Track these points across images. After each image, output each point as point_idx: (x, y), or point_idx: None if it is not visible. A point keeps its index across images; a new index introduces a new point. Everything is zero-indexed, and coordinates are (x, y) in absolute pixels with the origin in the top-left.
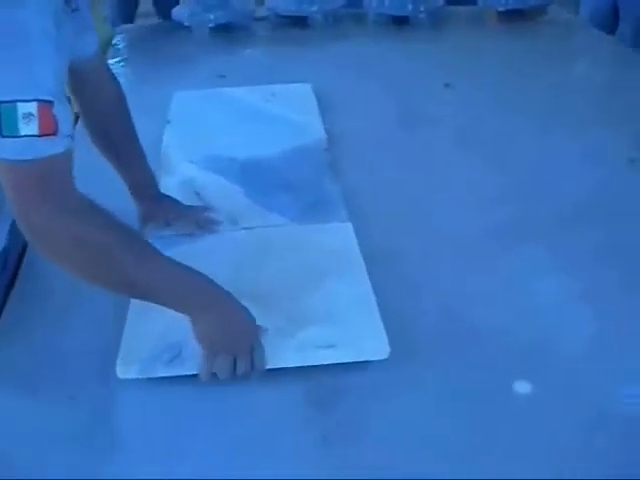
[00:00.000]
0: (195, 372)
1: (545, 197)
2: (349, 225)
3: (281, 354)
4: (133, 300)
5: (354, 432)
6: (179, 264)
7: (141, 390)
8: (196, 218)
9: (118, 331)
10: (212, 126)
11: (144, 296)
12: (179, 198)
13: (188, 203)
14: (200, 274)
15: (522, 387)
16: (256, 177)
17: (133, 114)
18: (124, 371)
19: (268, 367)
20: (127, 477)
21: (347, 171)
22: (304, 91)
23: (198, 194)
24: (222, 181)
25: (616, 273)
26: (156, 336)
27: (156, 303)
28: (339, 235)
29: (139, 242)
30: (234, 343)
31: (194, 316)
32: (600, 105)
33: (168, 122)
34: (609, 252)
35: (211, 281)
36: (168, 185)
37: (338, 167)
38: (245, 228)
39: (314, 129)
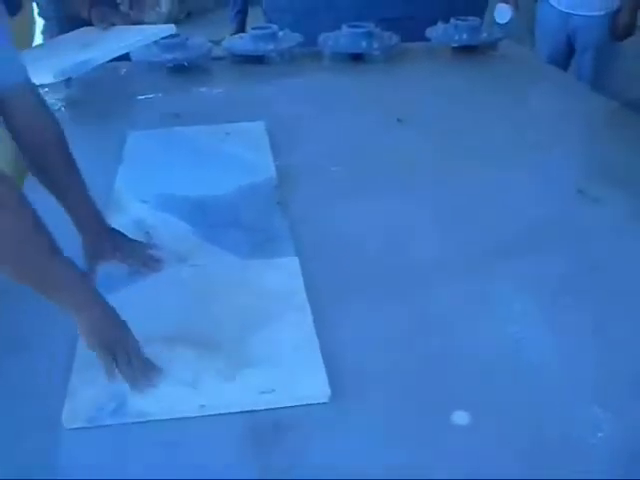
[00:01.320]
0: (141, 419)
1: (495, 226)
2: (295, 260)
3: (220, 398)
4: (79, 348)
5: (292, 469)
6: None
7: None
8: (143, 255)
9: (65, 377)
10: (165, 165)
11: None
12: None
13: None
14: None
15: (460, 418)
16: (207, 215)
17: (86, 153)
18: (70, 421)
19: (208, 413)
20: None
21: (296, 207)
22: (257, 129)
23: (148, 233)
24: (172, 220)
25: (567, 298)
26: (101, 385)
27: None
28: (285, 270)
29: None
30: (104, 343)
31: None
32: (551, 136)
33: (121, 162)
34: (558, 278)
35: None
36: (119, 224)
37: (288, 203)
38: (192, 265)
39: (265, 167)
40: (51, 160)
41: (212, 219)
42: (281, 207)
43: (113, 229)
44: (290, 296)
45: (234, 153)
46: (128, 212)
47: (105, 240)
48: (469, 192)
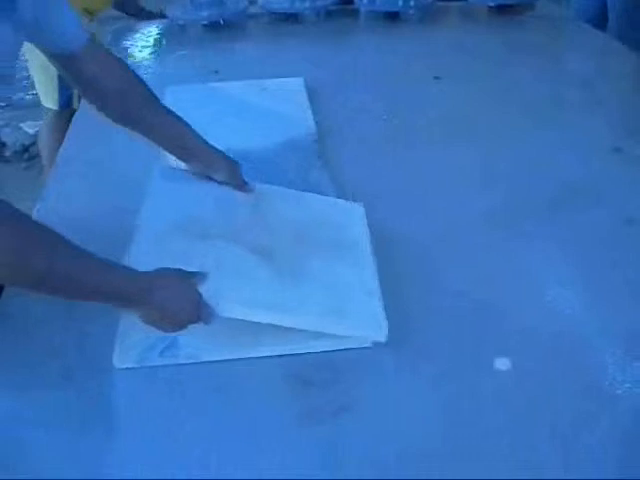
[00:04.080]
0: (190, 360)
1: (533, 183)
2: (362, 207)
3: (275, 340)
4: None
5: (337, 411)
6: (98, 262)
7: (136, 376)
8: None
9: (115, 318)
10: (204, 120)
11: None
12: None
13: None
14: (117, 266)
15: (502, 364)
16: (247, 170)
17: None
18: (121, 360)
19: (262, 354)
20: (122, 464)
21: (337, 162)
22: (295, 85)
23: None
24: None
25: (603, 255)
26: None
27: (84, 300)
28: (351, 212)
29: (56, 241)
30: (177, 324)
31: (131, 309)
32: (588, 95)
33: None
34: (594, 236)
35: (131, 270)
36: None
37: (328, 158)
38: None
39: (304, 121)
40: (135, 100)
41: (252, 174)
42: (322, 161)
43: (216, 149)
44: (355, 233)
45: (273, 108)
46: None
47: (214, 162)
48: (507, 149)
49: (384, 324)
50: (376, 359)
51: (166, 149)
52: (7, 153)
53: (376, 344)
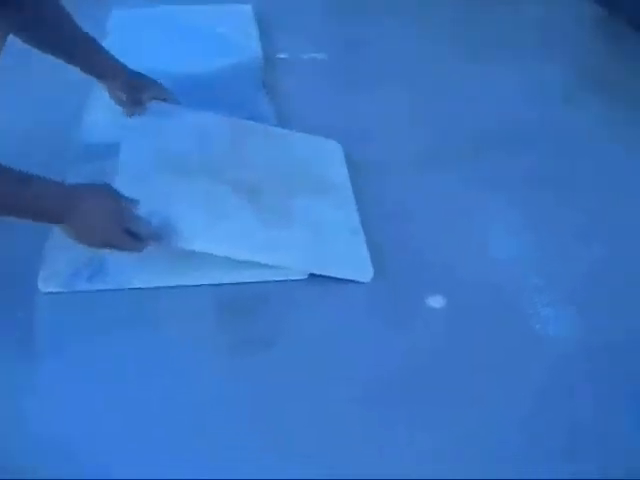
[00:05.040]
0: (120, 287)
1: (477, 121)
2: (339, 145)
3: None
4: None
5: (269, 343)
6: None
7: (61, 300)
8: (162, 94)
9: (41, 243)
10: (149, 43)
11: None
12: (112, 110)
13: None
14: (41, 179)
15: (436, 301)
16: (189, 92)
17: None
18: (46, 284)
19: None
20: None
21: (281, 91)
22: (244, 12)
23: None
24: None
25: (546, 195)
26: (78, 250)
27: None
28: (330, 150)
29: None
30: (98, 241)
31: (60, 223)
32: (539, 40)
33: (104, 38)
34: (540, 176)
35: (59, 183)
36: (100, 96)
37: (273, 86)
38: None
39: (250, 48)
40: (48, 22)
41: (194, 96)
42: (267, 88)
43: (132, 71)
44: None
45: (219, 33)
46: None
47: (131, 82)
48: (454, 86)
49: (369, 265)
50: (308, 291)
51: (79, 67)
52: None
53: (311, 276)
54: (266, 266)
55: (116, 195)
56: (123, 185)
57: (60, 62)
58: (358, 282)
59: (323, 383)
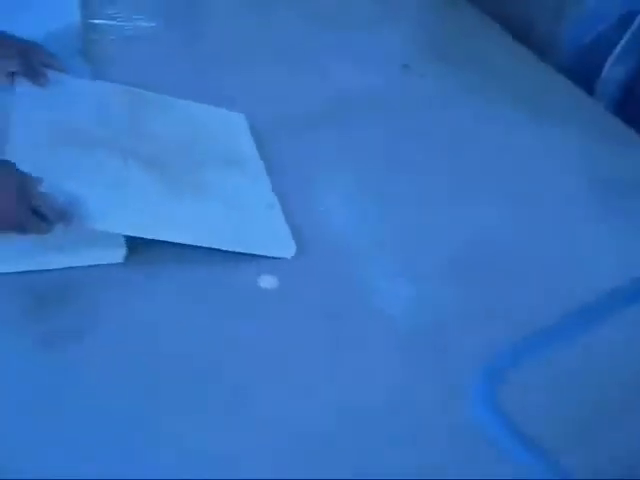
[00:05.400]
0: None
1: (309, 93)
2: (243, 117)
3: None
4: None
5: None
6: None
7: None
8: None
9: None
10: None
11: None
12: None
13: None
14: None
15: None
16: None
17: None
18: None
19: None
20: None
21: (102, 59)
22: None
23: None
24: None
25: (379, 170)
26: None
27: None
28: (234, 122)
29: None
30: (7, 216)
31: None
32: (379, 9)
33: None
34: (381, 148)
35: None
36: None
37: (91, 55)
38: None
39: (68, 12)
40: None
41: None
42: (84, 57)
43: (15, 36)
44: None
45: None
46: None
47: (11, 47)
48: (290, 55)
49: (290, 240)
50: (124, 276)
51: None
52: None
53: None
54: (76, 250)
55: (16, 170)
56: (15, 158)
57: None
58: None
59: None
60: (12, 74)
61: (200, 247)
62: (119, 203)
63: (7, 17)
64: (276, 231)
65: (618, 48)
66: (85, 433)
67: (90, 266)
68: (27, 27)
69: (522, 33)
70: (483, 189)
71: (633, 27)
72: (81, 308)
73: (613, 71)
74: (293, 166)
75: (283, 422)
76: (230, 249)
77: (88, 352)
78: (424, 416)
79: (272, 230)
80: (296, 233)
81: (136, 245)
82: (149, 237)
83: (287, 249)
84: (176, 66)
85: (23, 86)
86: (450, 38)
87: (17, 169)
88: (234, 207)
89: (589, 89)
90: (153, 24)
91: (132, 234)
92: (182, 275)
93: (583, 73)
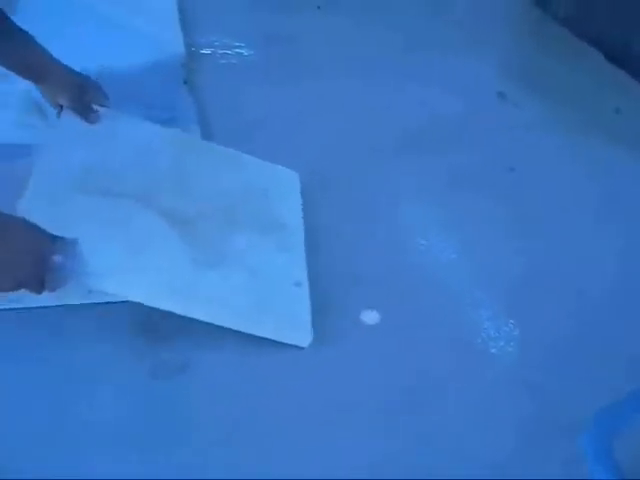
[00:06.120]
0: (20, 305)
1: (414, 123)
2: (296, 175)
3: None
4: None
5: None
6: None
7: None
8: (90, 97)
9: None
10: (63, 30)
11: None
12: (17, 109)
13: (27, 116)
14: None
15: (370, 318)
16: (108, 89)
17: None
18: None
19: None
20: None
21: (203, 89)
22: (166, 2)
23: (40, 108)
24: None
25: (480, 201)
26: None
27: None
28: (285, 181)
29: None
30: (17, 275)
31: None
32: (473, 37)
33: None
34: (471, 180)
35: None
36: (5, 93)
37: (195, 84)
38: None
39: (172, 42)
40: None
41: (113, 93)
42: (188, 86)
43: (66, 67)
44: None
45: (140, 25)
46: (17, 82)
47: (65, 81)
48: (387, 83)
49: (309, 328)
50: None
51: (12, 71)
52: None
53: None
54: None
55: (38, 234)
56: (33, 200)
57: None
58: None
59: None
60: (62, 106)
61: None
62: (137, 267)
63: (113, 48)
64: (296, 315)
65: None
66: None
67: None
68: (132, 58)
69: (616, 53)
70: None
71: None
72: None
73: None
74: (380, 191)
75: None
76: (244, 330)
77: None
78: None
79: (293, 313)
80: (396, 264)
81: None
82: (162, 308)
83: (303, 337)
84: (273, 90)
85: (69, 120)
86: (543, 65)
87: (37, 230)
88: (259, 281)
89: None
90: (252, 52)
91: (144, 303)
92: None
93: None
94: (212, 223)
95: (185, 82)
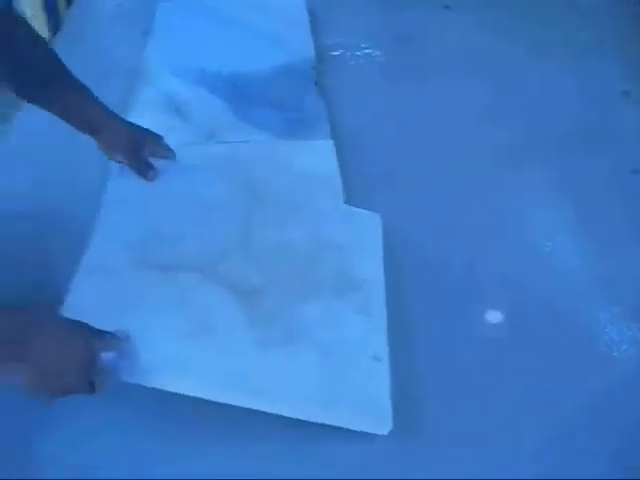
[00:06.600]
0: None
1: (536, 125)
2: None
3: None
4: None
5: None
6: None
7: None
8: (158, 146)
9: None
10: (198, 39)
11: None
12: (158, 111)
13: (167, 117)
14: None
15: (494, 317)
16: (241, 92)
17: (116, 24)
18: None
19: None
20: None
21: (335, 90)
22: (297, 5)
23: (179, 109)
24: (205, 94)
25: (607, 204)
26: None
27: None
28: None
29: None
30: (64, 382)
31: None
32: (597, 36)
33: (150, 33)
34: (597, 183)
35: (23, 313)
36: (148, 97)
37: (326, 85)
38: (223, 142)
39: (303, 46)
40: (33, 66)
41: (245, 96)
42: (319, 87)
43: (131, 124)
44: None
45: (271, 29)
46: (158, 85)
47: (121, 135)
48: (513, 85)
49: (389, 411)
50: None
51: (68, 123)
52: None
53: None
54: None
55: (83, 335)
56: (80, 292)
57: None
58: None
59: None
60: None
61: None
62: (195, 357)
63: (246, 52)
64: (375, 397)
65: None
66: None
67: None
68: (265, 61)
69: None
70: None
71: None
72: None
73: None
74: (504, 192)
75: None
76: (315, 421)
77: None
78: None
79: (371, 395)
80: (519, 273)
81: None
82: (220, 401)
83: (382, 423)
84: (400, 90)
85: (125, 177)
86: None
87: (80, 329)
88: (331, 358)
89: None
90: (380, 52)
91: (199, 396)
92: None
93: None
94: (281, 291)
95: (316, 83)
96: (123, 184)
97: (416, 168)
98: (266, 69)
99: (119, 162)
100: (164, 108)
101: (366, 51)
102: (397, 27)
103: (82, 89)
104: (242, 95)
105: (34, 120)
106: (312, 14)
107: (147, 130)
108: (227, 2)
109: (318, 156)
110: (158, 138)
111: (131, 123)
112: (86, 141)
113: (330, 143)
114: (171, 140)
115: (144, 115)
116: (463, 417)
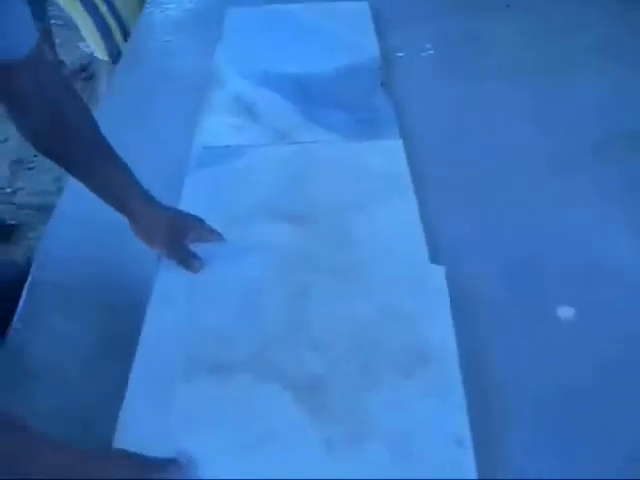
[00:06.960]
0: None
1: (588, 128)
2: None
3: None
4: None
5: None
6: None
7: None
8: (200, 230)
9: None
10: (265, 42)
11: None
12: (229, 112)
13: (238, 118)
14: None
15: (565, 312)
16: (308, 94)
17: (187, 32)
18: None
19: None
20: None
21: (401, 89)
22: (360, 9)
23: (249, 110)
24: (273, 96)
25: None
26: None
27: None
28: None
29: None
30: None
31: None
32: None
33: (220, 38)
34: None
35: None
36: (219, 99)
37: (392, 84)
38: (292, 143)
39: (368, 47)
40: (73, 136)
41: (313, 98)
42: (385, 88)
43: (162, 206)
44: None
45: (336, 32)
46: (228, 87)
47: (159, 224)
48: (566, 91)
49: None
50: None
51: (99, 197)
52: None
53: None
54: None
55: (143, 471)
56: (135, 399)
57: None
58: None
59: None
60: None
61: None
62: (255, 471)
63: (312, 54)
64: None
65: None
66: None
67: None
68: (331, 63)
69: None
70: None
71: None
72: None
73: None
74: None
75: None
76: None
77: None
78: None
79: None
80: (585, 269)
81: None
82: None
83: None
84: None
85: (174, 269)
86: None
87: (139, 464)
88: (407, 452)
89: None
90: (442, 52)
91: None
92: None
93: None
94: (344, 380)
95: (382, 84)
96: (171, 278)
97: (479, 170)
98: (331, 70)
99: (158, 254)
100: (235, 110)
101: (429, 52)
102: (458, 26)
103: (121, 166)
104: (308, 96)
105: None
106: (377, 16)
107: (188, 214)
108: (292, 7)
109: (388, 157)
110: (200, 222)
111: (171, 208)
112: None
113: (399, 143)
114: (243, 141)
115: (216, 117)
116: None
